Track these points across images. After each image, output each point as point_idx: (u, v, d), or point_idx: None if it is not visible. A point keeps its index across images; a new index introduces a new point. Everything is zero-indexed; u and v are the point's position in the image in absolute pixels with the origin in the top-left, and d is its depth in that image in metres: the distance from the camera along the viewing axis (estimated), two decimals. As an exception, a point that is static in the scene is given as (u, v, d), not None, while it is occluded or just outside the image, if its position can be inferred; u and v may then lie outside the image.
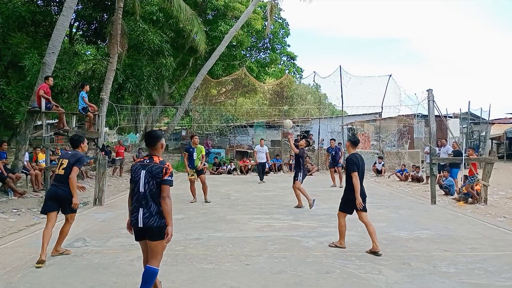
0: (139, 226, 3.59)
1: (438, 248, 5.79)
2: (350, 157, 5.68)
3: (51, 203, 5.26)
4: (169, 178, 3.66)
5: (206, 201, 9.94)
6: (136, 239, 3.76)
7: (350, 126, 23.51)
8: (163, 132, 24.53)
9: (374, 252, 5.40)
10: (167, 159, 20.33)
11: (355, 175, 5.52)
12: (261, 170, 15.33)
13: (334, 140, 15.50)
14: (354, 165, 5.55)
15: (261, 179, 14.98)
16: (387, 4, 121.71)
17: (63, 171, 5.29)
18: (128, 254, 5.41)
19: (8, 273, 4.64)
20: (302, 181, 9.20)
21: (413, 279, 4.51)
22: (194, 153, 9.99)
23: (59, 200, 5.28)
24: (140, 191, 3.62)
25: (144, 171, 3.66)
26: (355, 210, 5.63)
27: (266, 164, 16.36)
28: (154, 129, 3.48)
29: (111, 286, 4.28)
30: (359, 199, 5.49)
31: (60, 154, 13.27)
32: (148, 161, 3.73)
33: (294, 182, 9.21)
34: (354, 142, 5.91)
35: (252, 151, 18.74)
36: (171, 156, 22.91)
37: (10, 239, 6.25)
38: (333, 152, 14.29)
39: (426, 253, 5.53)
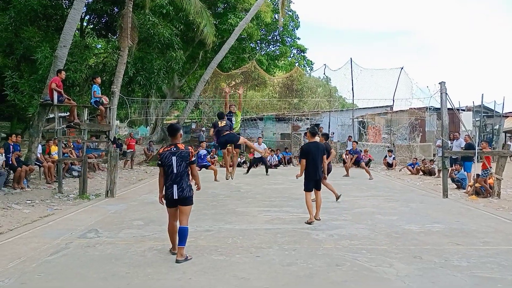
0: (175, 198, 4.77)
1: (450, 241, 5.74)
2: (303, 146, 7.17)
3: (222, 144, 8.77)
4: (194, 158, 4.97)
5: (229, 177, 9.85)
6: (169, 206, 4.91)
7: (361, 119, 23.34)
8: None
9: (309, 222, 6.78)
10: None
11: (303, 162, 7.04)
12: (252, 164, 16.53)
13: (357, 142, 15.88)
14: (304, 154, 7.02)
15: (247, 171, 15.76)
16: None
17: (224, 123, 8.63)
18: (139, 245, 5.47)
19: (23, 263, 4.73)
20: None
21: (424, 272, 4.48)
22: (232, 118, 9.61)
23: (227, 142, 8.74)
24: (174, 172, 4.77)
25: (175, 156, 4.78)
26: (314, 189, 7.10)
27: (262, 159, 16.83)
28: (173, 122, 4.80)
29: (123, 276, 4.34)
30: (299, 175, 7.22)
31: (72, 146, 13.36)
32: (174, 149, 4.84)
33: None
34: (312, 132, 7.21)
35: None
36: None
37: (24, 230, 6.36)
38: (354, 154, 15.17)
39: (438, 246, 5.48)
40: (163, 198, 4.97)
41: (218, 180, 12.97)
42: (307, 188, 7.07)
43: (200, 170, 13.24)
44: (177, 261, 4.72)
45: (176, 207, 4.88)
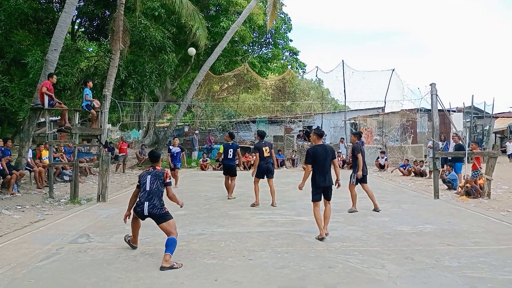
0: (145, 214, 4.97)
1: (441, 242, 5.79)
2: (310, 149, 6.27)
3: (263, 173, 8.96)
4: (169, 180, 5.18)
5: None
6: (138, 219, 5.17)
7: (353, 121, 23.47)
8: (166, 129, 24.64)
9: (320, 238, 5.97)
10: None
11: (308, 169, 6.14)
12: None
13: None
14: (310, 158, 6.13)
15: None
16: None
17: (269, 154, 8.98)
18: (131, 250, 5.44)
19: (13, 269, 4.68)
20: (355, 183, 8.41)
21: (415, 273, 4.52)
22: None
23: (269, 170, 8.97)
24: (147, 189, 5.00)
25: (150, 175, 5.09)
26: (323, 197, 6.19)
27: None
28: (154, 150, 6.17)
29: (115, 281, 4.31)
30: (301, 185, 6.15)
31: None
32: (152, 169, 5.20)
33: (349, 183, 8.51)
34: (319, 134, 6.42)
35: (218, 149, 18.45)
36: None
37: (14, 236, 6.28)
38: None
39: (429, 247, 5.53)
40: (128, 217, 5.30)
41: (177, 186, 11.69)
42: (315, 198, 6.14)
43: (173, 170, 11.79)
44: (162, 268, 4.65)
45: (144, 220, 5.14)
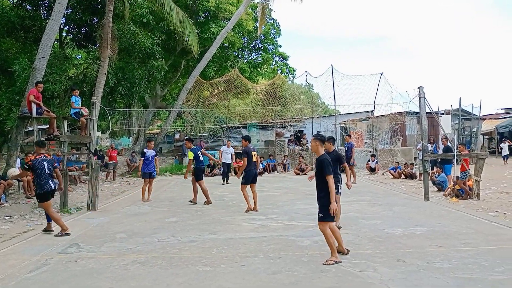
0: (53, 188, 6.82)
1: (432, 244, 5.84)
2: (323, 156, 5.11)
3: (252, 179, 8.85)
4: (57, 164, 7.30)
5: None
6: (48, 200, 6.80)
7: (343, 124, 23.61)
8: (156, 135, 24.55)
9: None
10: (161, 161, 20.02)
11: (331, 180, 4.97)
12: (225, 171, 15.45)
13: (350, 136, 15.55)
14: (330, 166, 5.02)
15: (225, 179, 15.12)
16: (375, 2, 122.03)
17: (256, 158, 9.15)
18: (122, 259, 5.38)
19: (1, 281, 4.59)
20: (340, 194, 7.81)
21: (407, 275, 4.54)
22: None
23: (256, 176, 8.99)
24: (47, 172, 6.72)
25: (46, 162, 6.78)
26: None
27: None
28: (41, 139, 8.15)
29: (105, 291, 4.26)
30: (334, 205, 4.91)
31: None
32: (44, 157, 6.85)
33: None
34: (322, 140, 5.28)
35: (218, 151, 18.30)
36: (165, 159, 22.79)
37: (2, 247, 6.17)
38: (345, 147, 14.18)
39: (420, 249, 5.57)
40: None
41: (150, 199, 10.74)
42: (330, 216, 5.02)
43: (148, 179, 10.81)
44: (56, 235, 6.68)
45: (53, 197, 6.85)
